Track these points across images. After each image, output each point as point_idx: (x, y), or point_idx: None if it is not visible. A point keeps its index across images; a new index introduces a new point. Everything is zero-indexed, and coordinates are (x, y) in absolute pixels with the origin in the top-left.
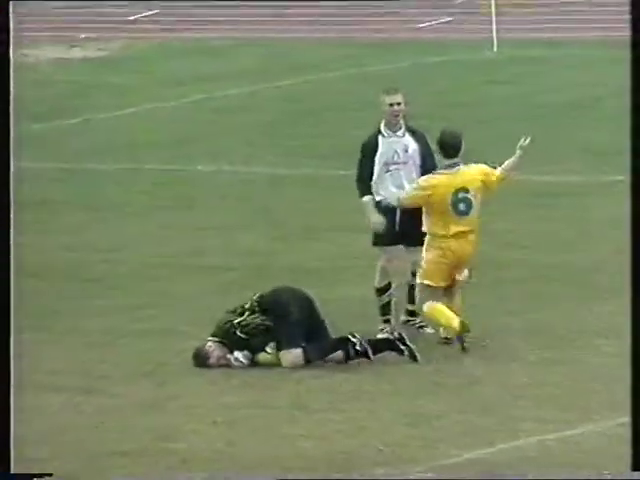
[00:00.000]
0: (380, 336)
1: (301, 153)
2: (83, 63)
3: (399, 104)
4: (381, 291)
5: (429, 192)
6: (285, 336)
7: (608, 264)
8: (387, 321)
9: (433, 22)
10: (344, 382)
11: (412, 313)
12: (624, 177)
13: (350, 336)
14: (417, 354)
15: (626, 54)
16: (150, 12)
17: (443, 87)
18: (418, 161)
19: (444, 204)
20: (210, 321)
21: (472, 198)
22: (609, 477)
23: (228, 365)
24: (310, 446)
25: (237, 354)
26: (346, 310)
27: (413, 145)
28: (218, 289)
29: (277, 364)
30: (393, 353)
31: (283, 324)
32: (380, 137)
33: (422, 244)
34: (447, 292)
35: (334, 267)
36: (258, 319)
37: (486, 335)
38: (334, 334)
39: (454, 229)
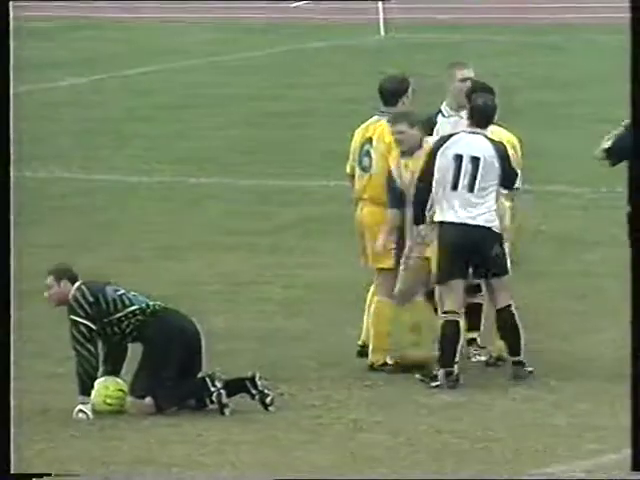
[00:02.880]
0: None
1: (153, 157)
2: None
3: (470, 80)
4: None
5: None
6: (144, 379)
7: None
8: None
9: (308, 1)
10: (204, 431)
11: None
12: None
13: (209, 381)
14: (270, 402)
15: (535, 40)
16: None
17: (324, 79)
18: None
19: (354, 157)
20: (38, 356)
21: (373, 154)
22: (609, 477)
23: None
24: None
25: (79, 406)
26: (206, 345)
27: None
28: (50, 319)
29: (121, 410)
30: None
31: (152, 366)
32: (440, 117)
33: None
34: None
35: (192, 293)
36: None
37: (373, 373)
38: None
39: (358, 192)
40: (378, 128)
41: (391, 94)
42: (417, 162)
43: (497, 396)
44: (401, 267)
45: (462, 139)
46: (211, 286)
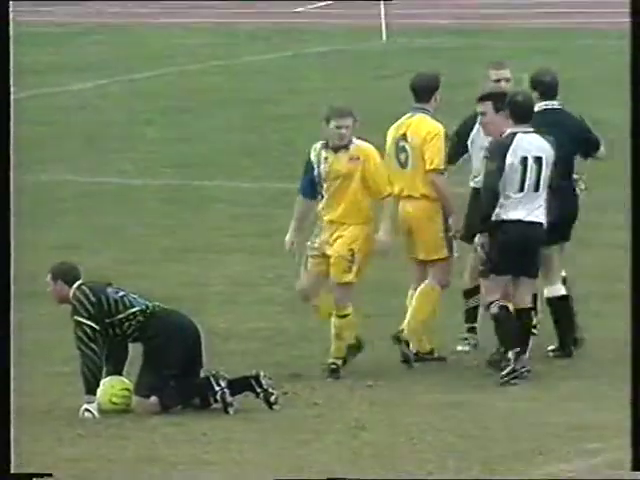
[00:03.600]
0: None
1: (158, 160)
2: None
3: (507, 80)
4: (469, 294)
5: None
6: (148, 379)
7: None
8: (472, 330)
9: (311, 6)
10: (209, 430)
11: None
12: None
13: (213, 380)
14: (274, 401)
15: (531, 45)
16: None
17: (325, 84)
18: None
19: (390, 154)
20: (43, 357)
21: (409, 149)
22: (608, 477)
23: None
24: None
25: (85, 406)
26: (209, 345)
27: None
28: (55, 320)
29: (127, 410)
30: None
31: (154, 365)
32: (479, 119)
33: None
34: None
35: (196, 295)
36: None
37: (373, 373)
38: None
39: (399, 190)
40: (413, 123)
41: (424, 90)
42: (339, 160)
43: (497, 396)
44: (303, 266)
45: (523, 139)
46: (214, 287)
